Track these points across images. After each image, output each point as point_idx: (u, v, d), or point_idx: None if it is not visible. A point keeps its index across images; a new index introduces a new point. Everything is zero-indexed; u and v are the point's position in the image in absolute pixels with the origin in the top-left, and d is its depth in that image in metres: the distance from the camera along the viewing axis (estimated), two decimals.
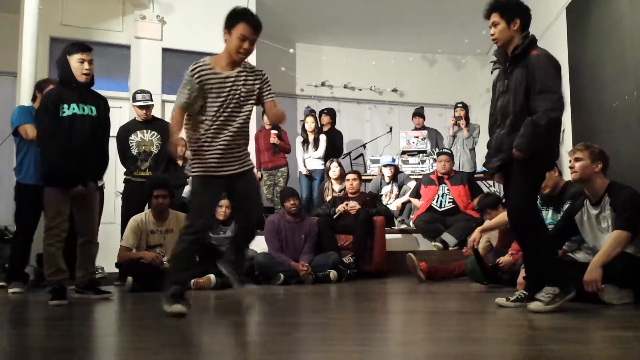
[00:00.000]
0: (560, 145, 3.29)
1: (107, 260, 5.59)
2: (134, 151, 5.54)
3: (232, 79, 3.17)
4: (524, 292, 3.23)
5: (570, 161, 3.59)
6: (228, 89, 3.15)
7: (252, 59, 7.65)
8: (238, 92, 3.18)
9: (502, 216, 4.68)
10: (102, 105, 4.11)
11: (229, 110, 3.16)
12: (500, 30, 3.21)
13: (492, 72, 3.55)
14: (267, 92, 3.31)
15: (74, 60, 3.90)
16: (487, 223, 4.93)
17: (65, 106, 3.88)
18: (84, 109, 3.95)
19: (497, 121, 3.30)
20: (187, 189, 6.49)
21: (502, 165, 3.23)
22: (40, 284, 5.04)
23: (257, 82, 3.28)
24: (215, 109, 3.14)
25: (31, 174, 4.72)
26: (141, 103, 5.64)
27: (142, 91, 5.76)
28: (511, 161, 3.13)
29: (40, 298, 4.33)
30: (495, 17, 3.22)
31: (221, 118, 3.15)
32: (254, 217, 3.42)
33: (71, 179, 3.90)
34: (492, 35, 3.26)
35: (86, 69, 3.91)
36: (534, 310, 2.99)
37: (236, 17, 3.14)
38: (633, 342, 2.33)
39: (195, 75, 3.11)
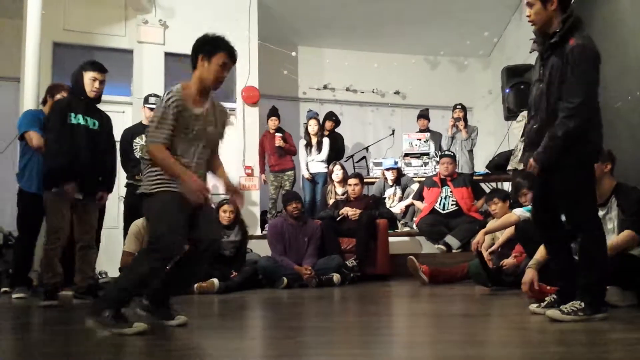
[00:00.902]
0: (601, 132, 2.95)
1: (110, 264, 5.60)
2: (137, 154, 5.54)
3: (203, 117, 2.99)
4: (554, 297, 3.08)
5: None
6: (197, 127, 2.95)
7: (254, 63, 7.72)
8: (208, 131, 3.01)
9: (507, 217, 4.67)
10: (105, 121, 4.39)
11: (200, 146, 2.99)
12: (536, 11, 2.90)
13: (530, 52, 3.22)
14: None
15: (88, 77, 4.19)
16: (491, 224, 4.92)
17: (73, 115, 4.12)
18: (87, 121, 4.19)
19: (531, 111, 3.05)
20: None
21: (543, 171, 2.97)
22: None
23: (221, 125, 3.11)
24: (187, 144, 2.95)
25: (32, 181, 4.73)
26: (153, 106, 5.66)
27: (155, 95, 5.81)
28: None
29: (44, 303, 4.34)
30: None
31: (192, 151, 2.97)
32: (216, 240, 3.09)
33: (70, 181, 4.01)
34: (527, 16, 2.96)
35: (96, 88, 4.21)
36: (550, 316, 2.83)
37: (218, 45, 2.98)
38: (638, 344, 2.32)
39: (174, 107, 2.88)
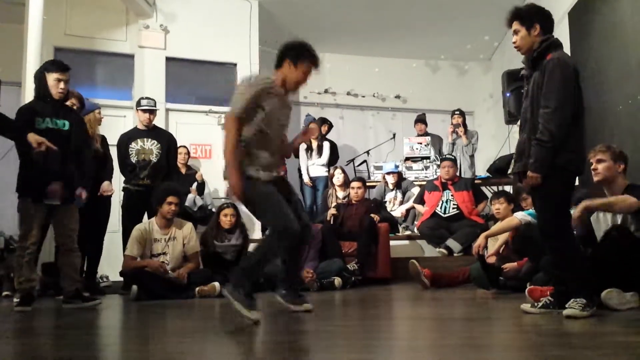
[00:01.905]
0: (585, 147, 3.21)
1: (111, 269, 5.62)
2: (133, 159, 5.55)
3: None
4: (550, 299, 3.19)
5: (591, 163, 3.57)
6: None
7: (255, 67, 7.73)
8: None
9: (508, 221, 4.67)
10: (76, 120, 4.24)
11: None
12: (522, 37, 3.24)
13: (520, 77, 3.60)
14: None
15: (51, 78, 4.06)
16: (493, 228, 4.92)
17: (40, 119, 4.00)
18: (56, 124, 4.07)
19: (522, 125, 3.31)
20: (190, 197, 6.52)
21: (524, 172, 3.19)
22: (46, 293, 5.05)
23: None
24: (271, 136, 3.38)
25: None
26: (146, 107, 5.68)
27: (148, 98, 5.81)
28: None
29: (46, 307, 4.34)
30: (516, 25, 3.27)
31: None
32: (309, 225, 3.51)
33: (43, 191, 3.95)
34: (514, 43, 3.29)
35: (61, 89, 4.08)
36: (570, 315, 2.95)
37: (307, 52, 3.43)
38: (638, 348, 2.31)
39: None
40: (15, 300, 4.55)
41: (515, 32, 3.28)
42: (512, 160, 3.35)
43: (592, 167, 3.56)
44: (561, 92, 3.05)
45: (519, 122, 3.69)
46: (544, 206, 3.18)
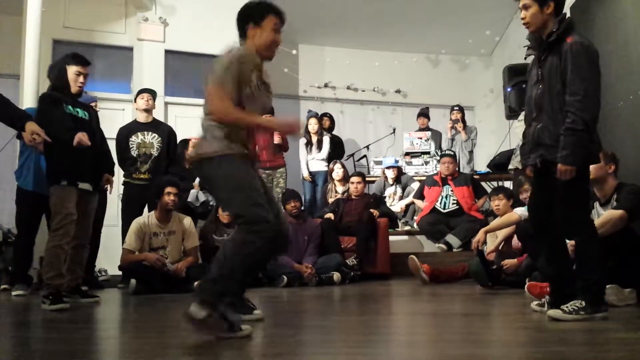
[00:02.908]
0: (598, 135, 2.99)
1: (110, 262, 5.61)
2: (134, 152, 5.53)
3: None
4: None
5: None
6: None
7: None
8: None
9: (508, 216, 4.67)
10: (93, 114, 4.24)
11: None
12: (532, 14, 2.93)
13: (525, 58, 3.28)
14: None
15: (72, 71, 3.99)
16: (492, 224, 4.92)
17: (65, 105, 3.94)
18: (78, 112, 4.03)
19: (533, 112, 3.02)
20: (192, 192, 6.49)
21: (542, 162, 2.97)
22: (43, 286, 5.04)
23: None
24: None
25: (30, 180, 4.72)
26: (145, 93, 5.67)
27: (147, 90, 5.81)
28: (552, 161, 2.90)
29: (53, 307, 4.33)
30: (526, 0, 2.95)
31: None
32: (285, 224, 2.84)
33: (76, 175, 3.88)
34: (522, 19, 2.98)
35: (80, 82, 4.02)
36: (552, 316, 2.80)
37: (265, 9, 2.86)
38: (638, 343, 2.31)
39: None
40: (17, 292, 4.55)
41: (525, 7, 2.95)
42: (523, 149, 3.23)
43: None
44: (590, 79, 2.83)
45: (523, 113, 3.53)
46: (568, 201, 2.89)
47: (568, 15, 2.97)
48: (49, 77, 4.07)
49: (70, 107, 3.97)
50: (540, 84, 2.97)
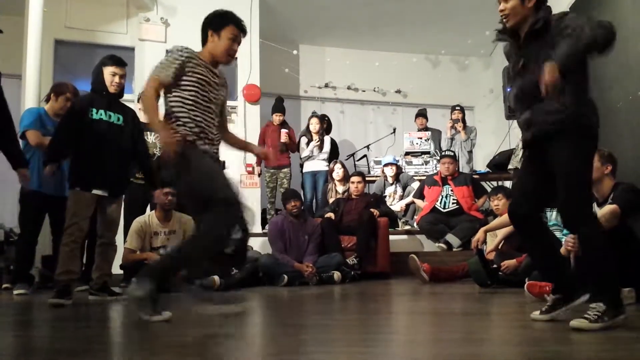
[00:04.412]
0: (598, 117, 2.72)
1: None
2: None
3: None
4: (551, 295, 2.86)
5: None
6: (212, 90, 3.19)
7: (255, 61, 7.71)
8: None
9: (507, 216, 4.68)
10: (130, 115, 4.28)
11: None
12: (513, 6, 2.74)
13: (493, 42, 3.10)
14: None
15: (108, 72, 4.11)
16: (492, 223, 4.94)
17: (94, 110, 4.05)
18: (110, 117, 4.12)
19: (524, 104, 2.76)
20: None
21: (535, 140, 2.73)
22: (45, 285, 5.06)
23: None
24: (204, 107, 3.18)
25: (34, 179, 4.74)
26: None
27: None
28: (545, 137, 2.66)
29: (45, 300, 4.35)
30: None
31: None
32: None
33: (91, 182, 3.98)
34: (501, 11, 2.78)
35: (116, 82, 4.13)
36: (577, 327, 2.49)
37: (227, 18, 3.27)
38: (636, 343, 2.32)
39: None
40: (19, 291, 4.58)
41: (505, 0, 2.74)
42: (519, 150, 3.24)
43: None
44: (595, 26, 2.51)
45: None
46: (569, 185, 2.61)
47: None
48: (91, 82, 4.19)
49: (102, 111, 4.07)
50: (525, 74, 2.73)
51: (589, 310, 2.54)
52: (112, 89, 4.12)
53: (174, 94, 3.06)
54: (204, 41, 3.22)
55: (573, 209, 2.65)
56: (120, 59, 4.19)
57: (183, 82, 3.05)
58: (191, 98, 3.04)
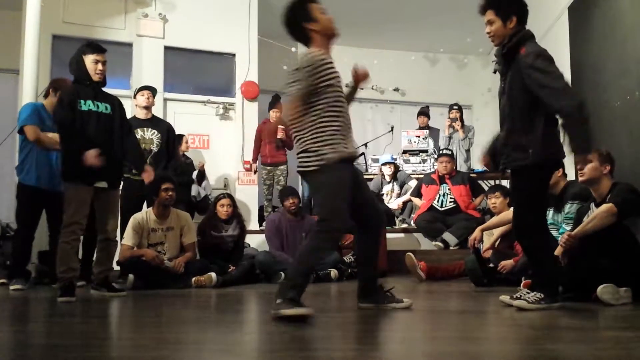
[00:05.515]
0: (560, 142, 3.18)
1: None
2: None
3: None
4: (528, 291, 3.18)
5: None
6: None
7: (254, 58, 7.71)
8: None
9: (505, 215, 4.69)
10: (117, 104, 4.19)
11: None
12: (496, 28, 3.10)
13: (494, 72, 3.44)
14: None
15: (89, 60, 4.01)
16: (489, 222, 4.94)
17: (82, 101, 3.95)
18: (98, 106, 4.02)
19: (501, 120, 3.30)
20: (194, 188, 6.50)
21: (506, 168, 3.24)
22: (41, 281, 5.06)
23: None
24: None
25: (32, 174, 4.73)
26: (146, 90, 5.69)
27: (147, 87, 5.83)
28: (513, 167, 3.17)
29: (42, 295, 4.35)
30: (490, 15, 3.09)
31: None
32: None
33: (91, 175, 3.90)
34: (488, 33, 3.14)
35: (100, 70, 4.03)
36: (518, 306, 3.07)
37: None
38: (633, 342, 2.33)
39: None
40: (15, 286, 4.56)
41: (490, 23, 3.11)
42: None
43: (578, 167, 3.48)
44: (559, 75, 2.95)
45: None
46: (523, 204, 3.15)
47: (525, 27, 3.13)
48: (71, 72, 4.09)
49: (90, 102, 3.98)
50: (504, 97, 3.18)
51: (530, 295, 3.07)
52: (96, 77, 4.02)
53: None
54: (302, 34, 3.32)
55: (524, 222, 3.14)
56: (99, 45, 4.09)
57: None
58: None
